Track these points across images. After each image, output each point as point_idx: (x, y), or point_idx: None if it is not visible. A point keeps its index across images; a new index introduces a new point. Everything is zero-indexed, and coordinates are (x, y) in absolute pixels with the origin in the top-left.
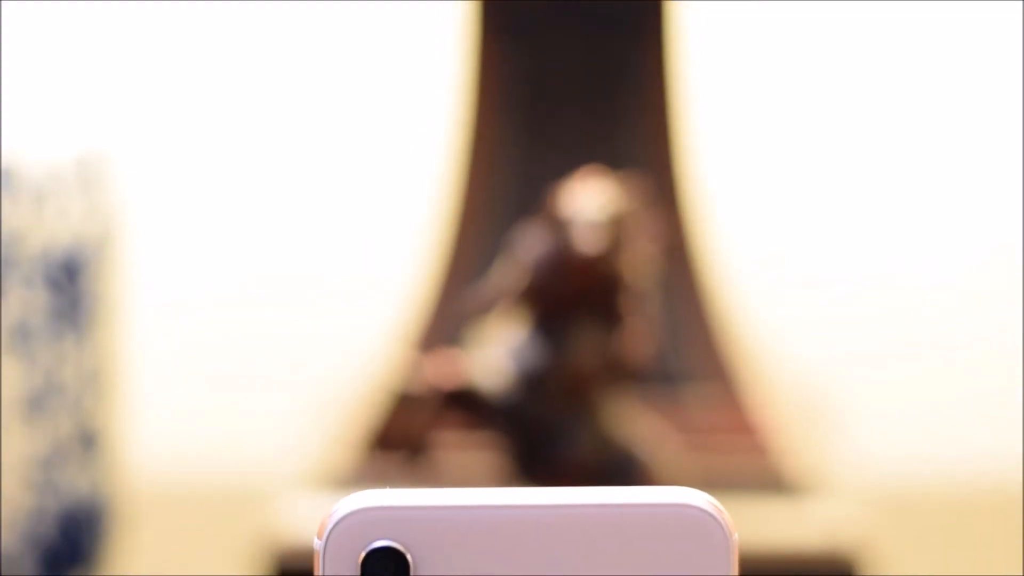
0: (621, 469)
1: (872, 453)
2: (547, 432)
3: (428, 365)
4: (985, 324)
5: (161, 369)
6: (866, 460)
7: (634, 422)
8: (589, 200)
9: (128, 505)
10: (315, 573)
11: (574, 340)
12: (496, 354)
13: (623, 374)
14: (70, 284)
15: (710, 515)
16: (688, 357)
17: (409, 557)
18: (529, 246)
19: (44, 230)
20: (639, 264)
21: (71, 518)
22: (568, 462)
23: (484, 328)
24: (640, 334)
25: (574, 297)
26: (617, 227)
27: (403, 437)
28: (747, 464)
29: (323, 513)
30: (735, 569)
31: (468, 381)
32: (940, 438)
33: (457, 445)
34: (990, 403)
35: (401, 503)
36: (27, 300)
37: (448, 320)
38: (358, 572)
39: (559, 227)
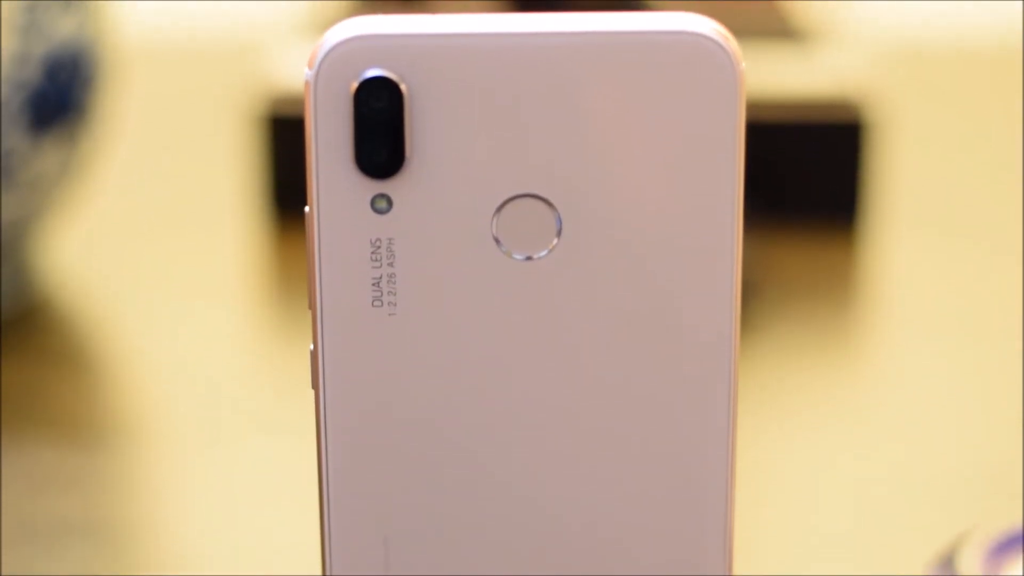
0: None
1: (880, 3)
2: None
3: None
4: None
5: None
6: (874, 10)
7: None
8: None
9: (117, 53)
10: (305, 106)
11: None
12: None
13: None
14: None
15: (717, 43)
16: None
17: (403, 87)
18: None
19: None
20: None
21: (57, 62)
22: None
23: None
24: None
25: None
26: None
27: None
28: (754, 10)
29: (315, 45)
30: (742, 100)
31: None
32: None
33: None
34: None
35: (397, 31)
36: None
37: None
38: (350, 103)
39: None
